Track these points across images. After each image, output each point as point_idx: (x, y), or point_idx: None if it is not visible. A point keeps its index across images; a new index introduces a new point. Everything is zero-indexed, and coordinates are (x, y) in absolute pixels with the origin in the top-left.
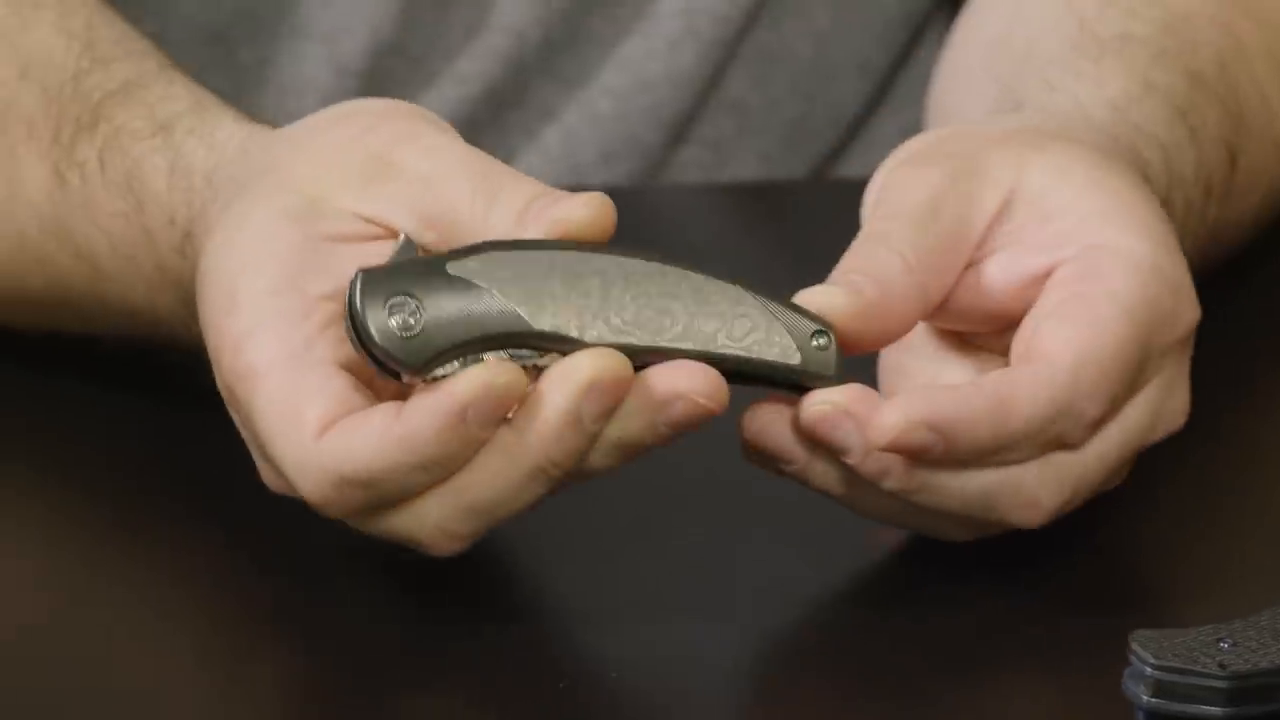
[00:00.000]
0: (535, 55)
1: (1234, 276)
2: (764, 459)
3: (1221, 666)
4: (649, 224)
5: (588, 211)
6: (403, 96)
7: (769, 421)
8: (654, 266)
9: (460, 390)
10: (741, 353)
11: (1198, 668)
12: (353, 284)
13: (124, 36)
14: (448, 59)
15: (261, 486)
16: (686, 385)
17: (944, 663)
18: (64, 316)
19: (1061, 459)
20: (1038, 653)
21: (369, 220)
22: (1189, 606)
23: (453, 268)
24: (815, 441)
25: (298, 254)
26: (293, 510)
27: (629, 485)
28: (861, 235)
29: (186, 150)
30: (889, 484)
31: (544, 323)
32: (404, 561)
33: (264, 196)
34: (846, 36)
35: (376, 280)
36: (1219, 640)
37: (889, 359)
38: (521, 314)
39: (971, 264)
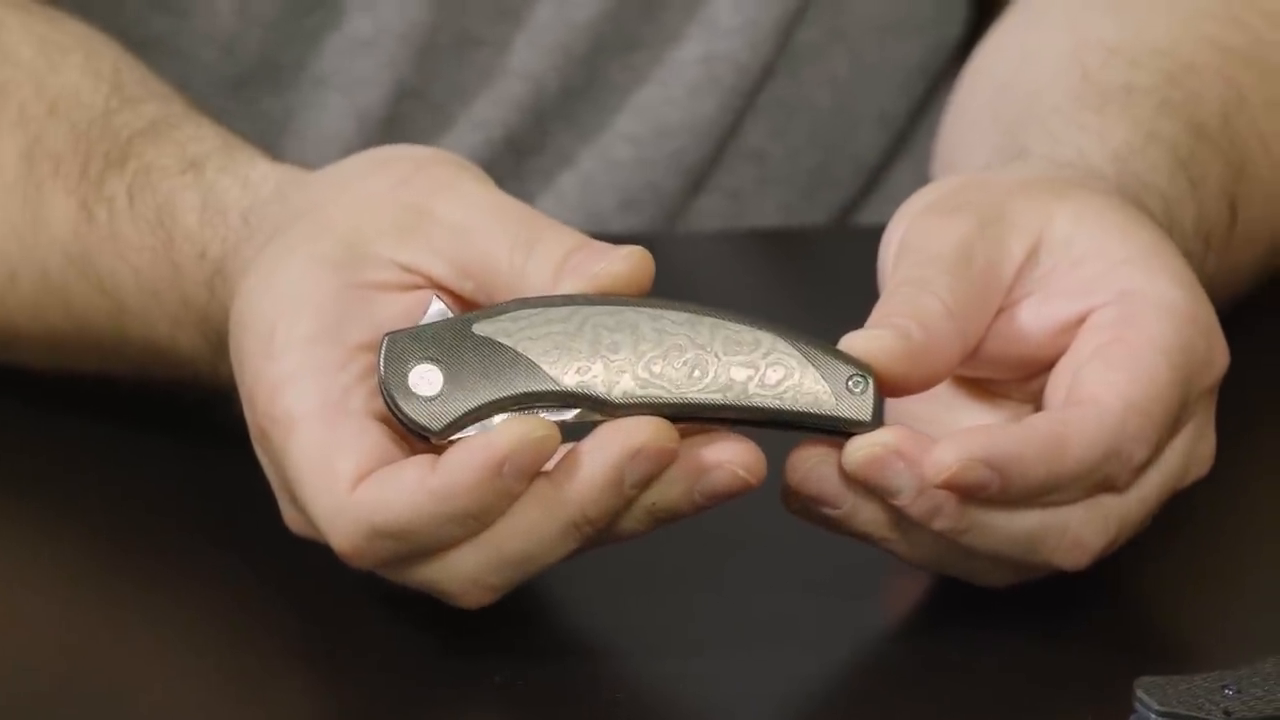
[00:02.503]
0: (553, 102)
1: (1239, 324)
2: (807, 505)
3: (1226, 714)
4: (669, 271)
5: (627, 265)
6: (423, 142)
7: (814, 466)
8: (685, 316)
9: (498, 443)
10: (774, 402)
11: (1202, 714)
12: (380, 349)
13: (149, 79)
14: (466, 105)
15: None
16: (728, 456)
17: (951, 706)
18: (84, 355)
19: (1107, 501)
20: (1044, 698)
21: (407, 269)
22: (1194, 653)
23: (479, 328)
24: (863, 485)
25: (336, 301)
26: (315, 546)
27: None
28: (897, 281)
29: (220, 188)
30: (939, 524)
31: (569, 380)
32: (427, 598)
33: (302, 241)
34: (866, 86)
35: (402, 345)
36: (1224, 687)
37: (908, 408)
38: (547, 371)
39: (1002, 310)
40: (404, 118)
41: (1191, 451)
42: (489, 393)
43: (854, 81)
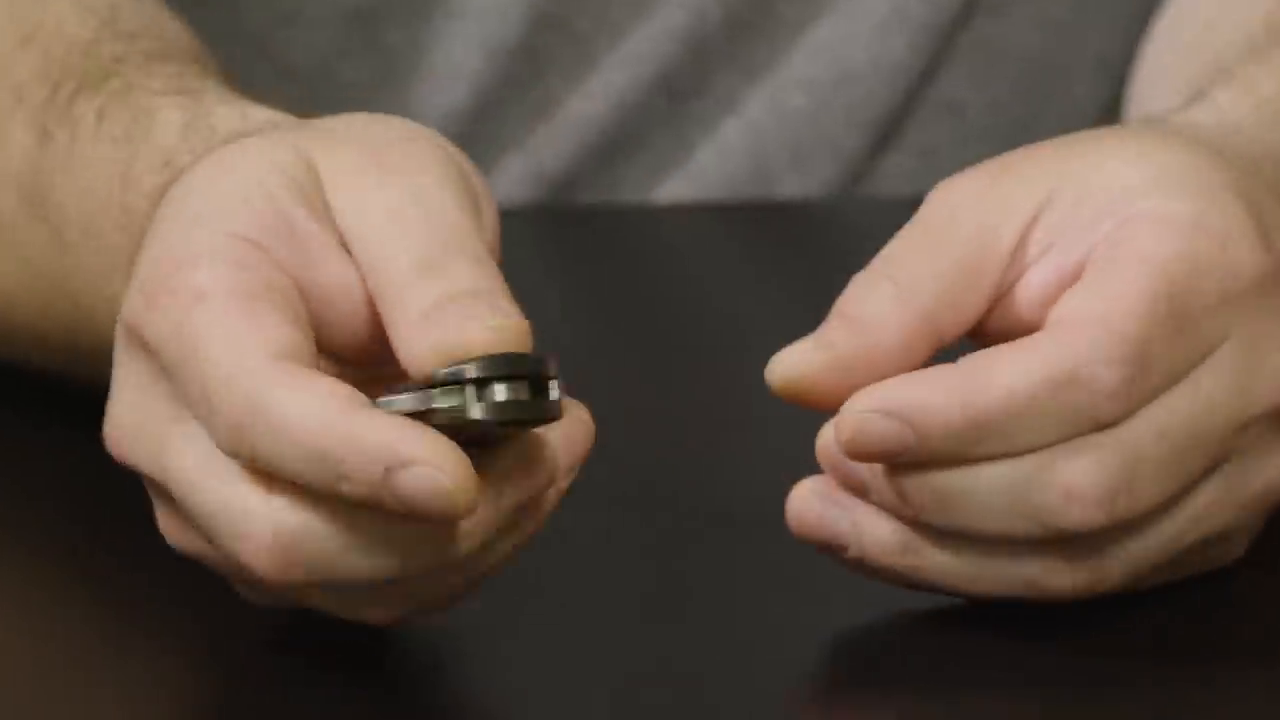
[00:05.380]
0: (716, 37)
1: None
2: (823, 548)
3: None
4: (847, 237)
5: (486, 339)
6: (562, 79)
7: (802, 507)
8: None
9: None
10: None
11: None
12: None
13: (155, 22)
14: (615, 38)
15: None
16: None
17: None
18: (20, 322)
19: (1098, 438)
20: None
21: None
22: None
23: None
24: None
25: (278, 218)
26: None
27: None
28: (871, 263)
29: (216, 113)
30: (910, 505)
31: None
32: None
33: (266, 145)
34: (1081, 27)
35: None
36: None
37: None
38: None
39: (1014, 277)
40: (542, 51)
41: (1244, 366)
42: None
43: (1068, 22)
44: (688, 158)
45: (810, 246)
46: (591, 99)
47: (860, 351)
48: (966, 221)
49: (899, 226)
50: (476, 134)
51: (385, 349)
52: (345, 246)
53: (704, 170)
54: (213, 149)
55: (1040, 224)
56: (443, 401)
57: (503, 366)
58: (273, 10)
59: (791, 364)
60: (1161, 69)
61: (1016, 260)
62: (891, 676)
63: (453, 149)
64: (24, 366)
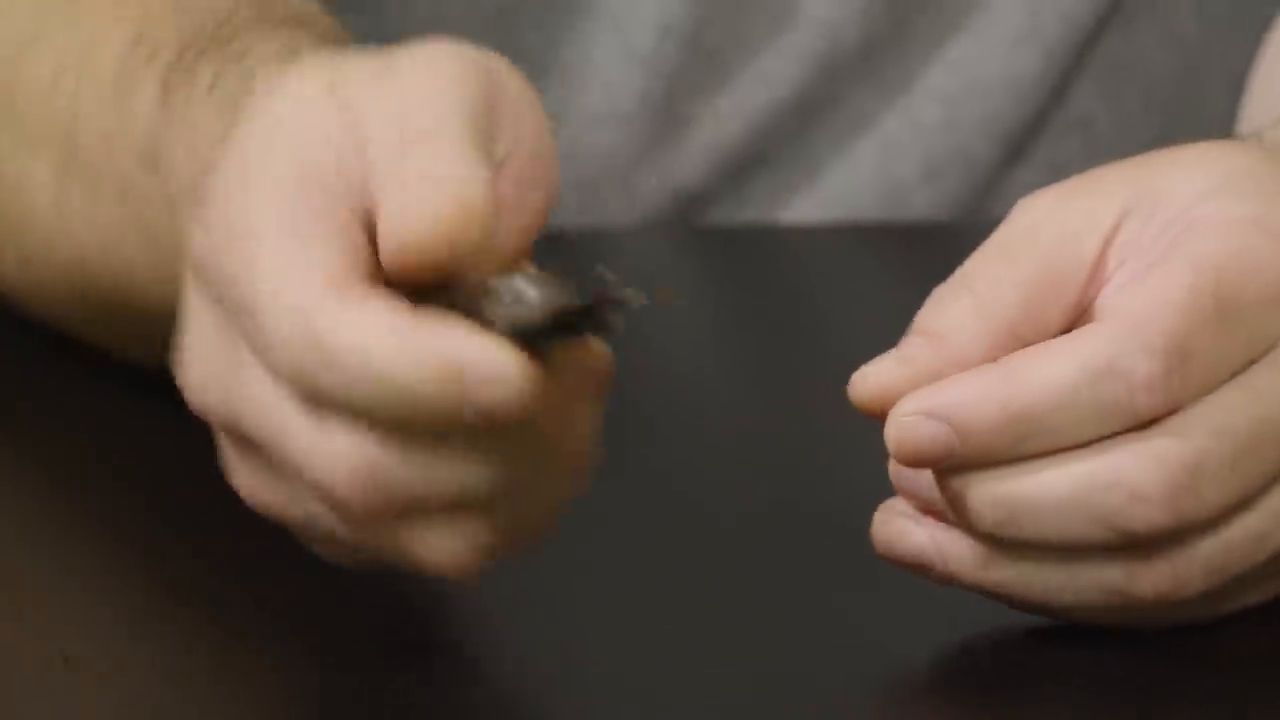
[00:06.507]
0: (851, 55)
1: None
2: (912, 567)
3: None
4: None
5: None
6: (698, 96)
7: (885, 528)
8: None
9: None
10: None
11: None
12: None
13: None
14: (749, 55)
15: None
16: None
17: None
18: (152, 292)
19: (1159, 439)
20: None
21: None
22: None
23: None
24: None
25: (326, 145)
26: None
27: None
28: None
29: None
30: (977, 518)
31: None
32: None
33: (308, 69)
34: (1214, 44)
35: None
36: None
37: None
38: None
39: (1095, 289)
40: (677, 64)
41: None
42: None
43: (1198, 39)
44: (817, 175)
45: (938, 268)
46: (723, 117)
47: (941, 365)
48: (1047, 234)
49: None
50: (614, 145)
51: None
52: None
53: (834, 187)
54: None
55: (1120, 236)
56: (497, 308)
57: (553, 280)
58: (414, 15)
59: (874, 379)
60: (1266, 86)
61: (1098, 272)
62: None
63: (481, 55)
64: (140, 349)
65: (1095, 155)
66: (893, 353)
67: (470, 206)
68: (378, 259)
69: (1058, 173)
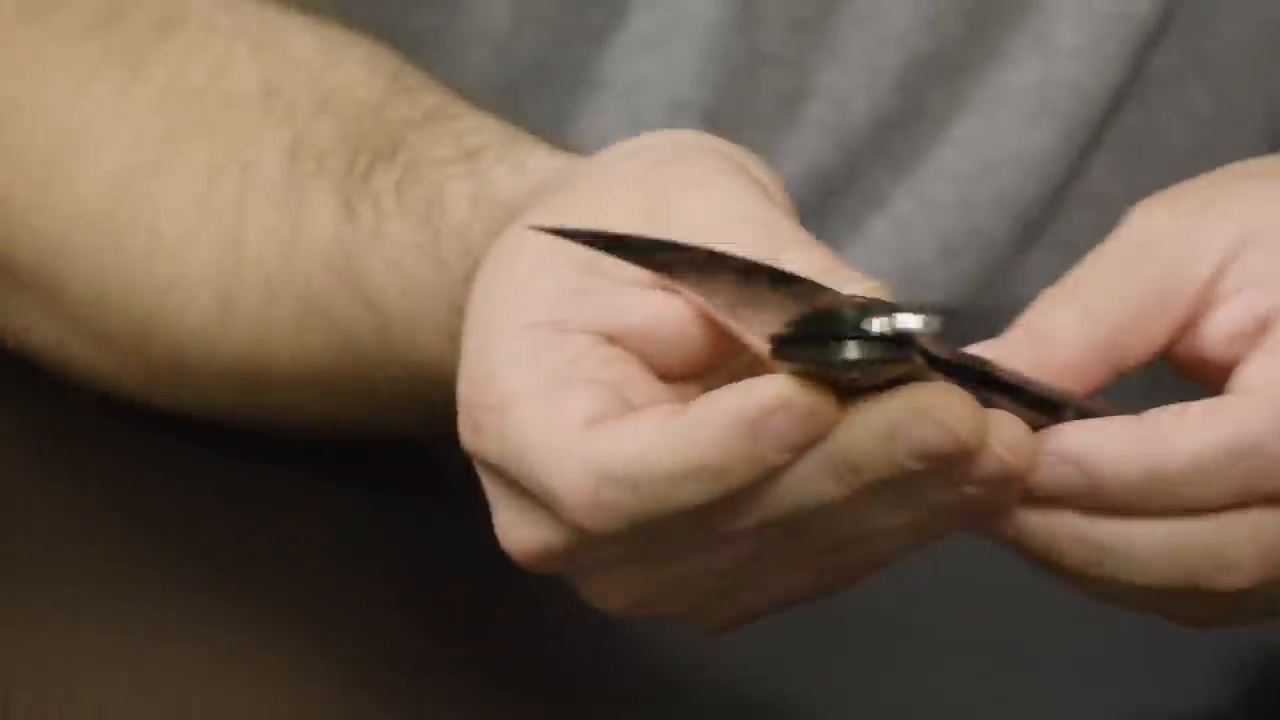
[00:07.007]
0: (864, 133)
1: None
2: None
3: None
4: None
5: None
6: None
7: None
8: None
9: (757, 396)
10: None
11: None
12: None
13: (432, 78)
14: (764, 131)
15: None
16: (931, 400)
17: None
18: (345, 386)
19: (1254, 510)
20: None
21: None
22: None
23: None
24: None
25: (566, 292)
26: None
27: None
28: (1062, 280)
29: (493, 177)
30: (1064, 555)
31: None
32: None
33: (537, 224)
34: (1229, 122)
35: None
36: None
37: None
38: None
39: (1202, 310)
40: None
41: None
42: None
43: (1216, 116)
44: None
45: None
46: None
47: (1037, 365)
48: (1162, 249)
49: None
50: None
51: (719, 358)
52: (655, 282)
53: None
54: (493, 236)
55: (1236, 263)
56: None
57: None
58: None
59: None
60: None
61: (1207, 294)
62: None
63: (723, 144)
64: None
65: (1109, 230)
66: (991, 343)
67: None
68: (639, 369)
69: (1071, 251)
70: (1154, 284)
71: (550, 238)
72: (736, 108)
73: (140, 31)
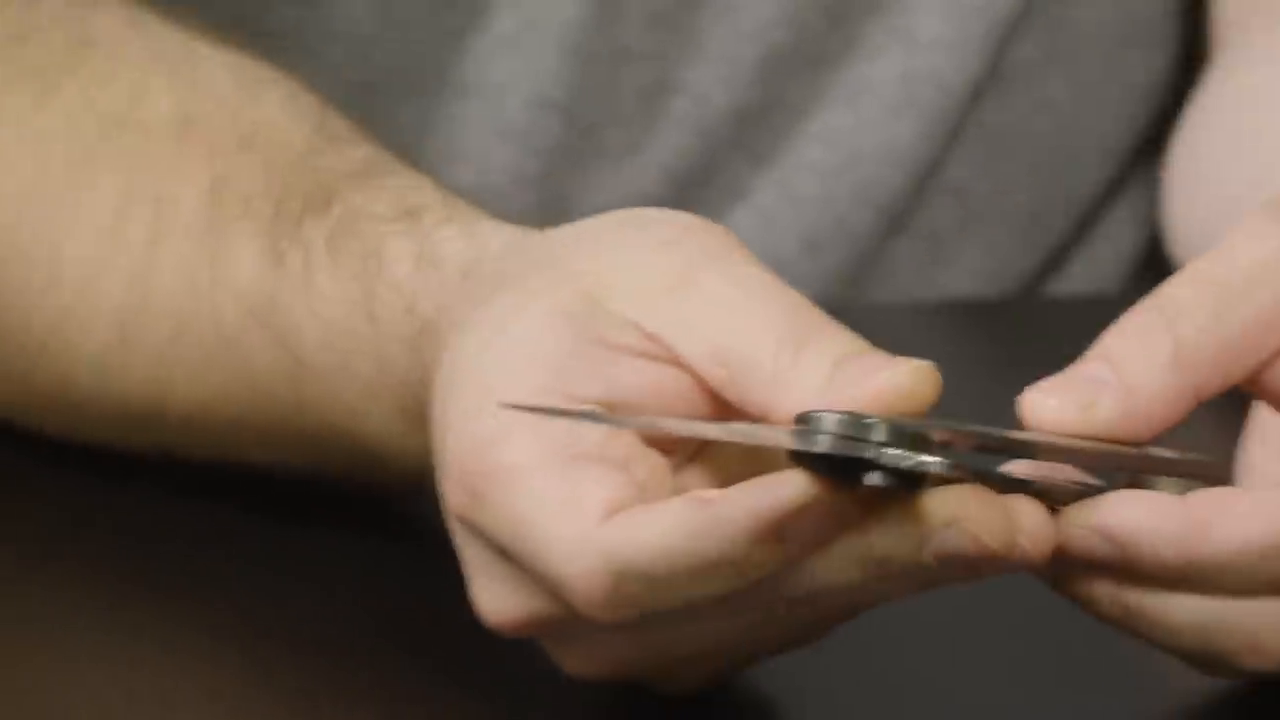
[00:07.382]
0: (721, 125)
1: None
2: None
3: None
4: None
5: (911, 381)
6: (575, 172)
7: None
8: None
9: (780, 495)
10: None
11: None
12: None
13: (358, 126)
14: (624, 128)
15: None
16: (965, 512)
17: None
18: (249, 432)
19: None
20: None
21: (651, 336)
22: None
23: None
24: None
25: (568, 356)
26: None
27: None
28: (1152, 298)
29: (440, 238)
30: (1098, 611)
31: None
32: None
33: (542, 291)
34: (1087, 111)
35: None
36: None
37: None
38: None
39: None
40: (551, 140)
41: None
42: None
43: (1074, 106)
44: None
45: None
46: (605, 191)
47: (1123, 422)
48: (1268, 291)
49: (908, 330)
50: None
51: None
52: (655, 354)
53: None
54: (458, 306)
55: None
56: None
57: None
58: None
59: (1048, 416)
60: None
61: None
62: None
63: (716, 227)
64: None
65: (970, 222)
66: (1073, 387)
67: (935, 380)
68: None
69: (933, 241)
70: (1255, 321)
71: (548, 309)
72: (597, 105)
73: (55, 51)
